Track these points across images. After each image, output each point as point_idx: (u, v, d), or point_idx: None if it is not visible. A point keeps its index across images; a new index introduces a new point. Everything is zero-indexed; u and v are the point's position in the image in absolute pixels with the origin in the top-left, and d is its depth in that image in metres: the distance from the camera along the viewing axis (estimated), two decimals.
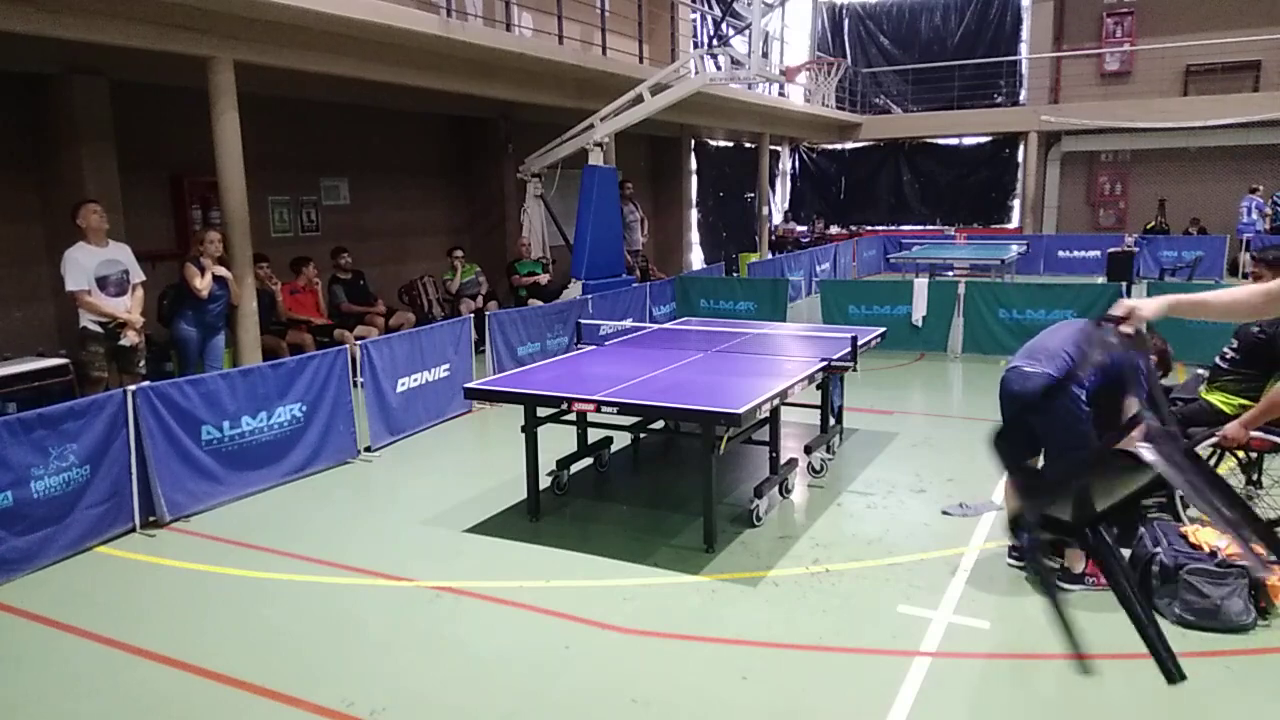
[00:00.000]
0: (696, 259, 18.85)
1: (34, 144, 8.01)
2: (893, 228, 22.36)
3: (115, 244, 6.59)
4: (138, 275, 6.63)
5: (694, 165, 18.80)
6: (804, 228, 22.12)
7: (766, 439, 5.34)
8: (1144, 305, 2.30)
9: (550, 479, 5.64)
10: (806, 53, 21.96)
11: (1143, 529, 4.29)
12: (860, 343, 5.84)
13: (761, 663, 3.68)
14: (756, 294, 11.75)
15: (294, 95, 9.53)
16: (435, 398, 7.50)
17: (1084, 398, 3.75)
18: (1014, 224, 21.32)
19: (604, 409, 4.83)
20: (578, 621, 4.03)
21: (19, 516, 4.58)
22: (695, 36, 17.01)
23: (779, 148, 22.53)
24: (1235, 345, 4.75)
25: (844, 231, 22.37)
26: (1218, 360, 4.84)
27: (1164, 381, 4.69)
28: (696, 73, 11.50)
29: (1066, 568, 4.24)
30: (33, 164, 8.02)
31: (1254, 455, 4.74)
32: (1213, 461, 5.10)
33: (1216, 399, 4.71)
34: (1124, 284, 10.16)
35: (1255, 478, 4.77)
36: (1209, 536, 4.06)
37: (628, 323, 9.40)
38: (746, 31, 12.25)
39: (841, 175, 23.69)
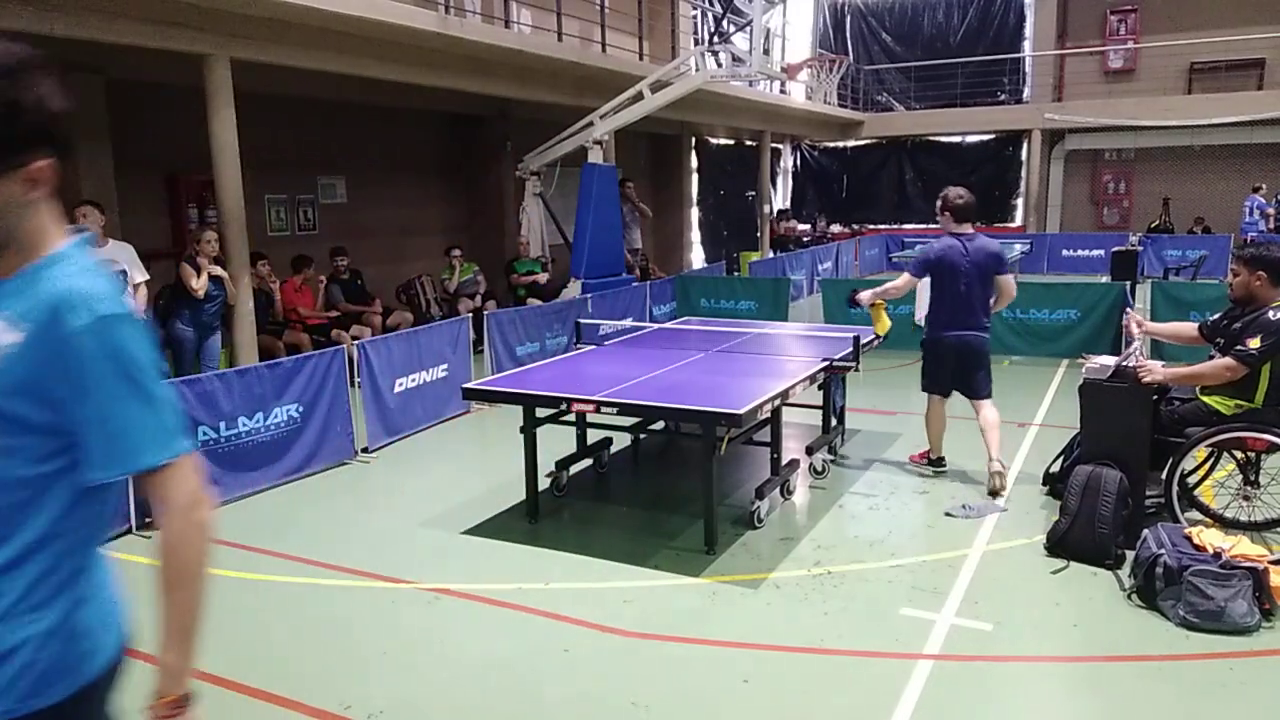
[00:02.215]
0: (697, 258, 18.79)
1: None
2: (895, 226, 22.28)
3: (115, 243, 6.54)
4: (138, 275, 6.57)
5: (694, 163, 18.74)
6: (806, 226, 22.07)
7: (768, 440, 5.29)
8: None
9: (549, 480, 5.59)
10: (808, 50, 21.91)
11: (1146, 531, 4.24)
12: (862, 343, 5.79)
13: (763, 666, 3.64)
14: (758, 293, 11.69)
15: (291, 93, 9.48)
16: (433, 398, 7.45)
17: None
18: (1017, 222, 21.26)
19: (603, 409, 4.79)
20: (577, 624, 3.99)
21: None
22: (696, 33, 16.93)
23: (780, 145, 22.47)
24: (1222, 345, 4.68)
25: (846, 230, 22.30)
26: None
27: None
28: (697, 70, 11.45)
29: None
30: None
31: (1252, 455, 4.68)
32: (1212, 463, 5.08)
33: (1213, 400, 4.65)
34: (1128, 283, 10.07)
35: (1253, 477, 4.71)
36: (1213, 538, 4.02)
37: (627, 322, 9.34)
38: (747, 28, 12.21)
39: (843, 173, 23.61)
